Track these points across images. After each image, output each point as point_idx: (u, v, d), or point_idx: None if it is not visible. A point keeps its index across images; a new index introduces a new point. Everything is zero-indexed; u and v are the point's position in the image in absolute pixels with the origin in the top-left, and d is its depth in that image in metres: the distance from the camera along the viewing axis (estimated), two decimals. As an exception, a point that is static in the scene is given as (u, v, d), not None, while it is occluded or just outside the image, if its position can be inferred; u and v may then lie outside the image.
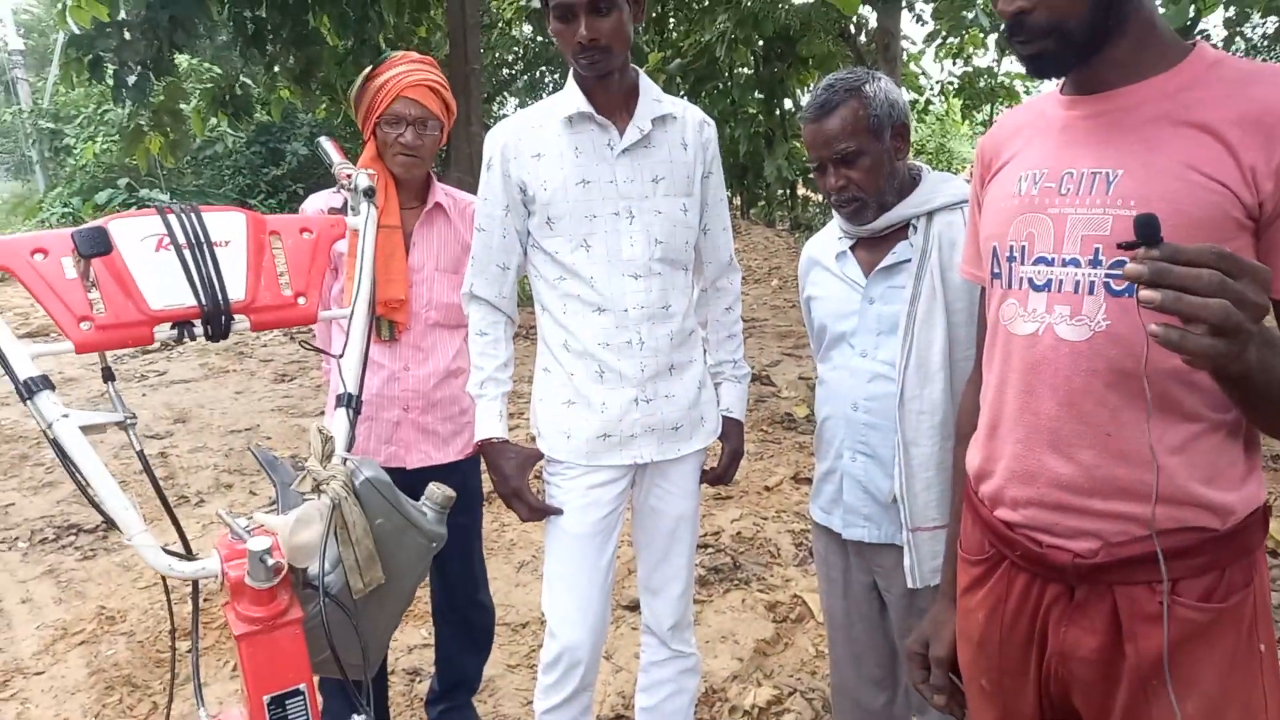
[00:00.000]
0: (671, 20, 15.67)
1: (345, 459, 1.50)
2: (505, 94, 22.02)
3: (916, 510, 1.68)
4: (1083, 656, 1.14)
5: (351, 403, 1.57)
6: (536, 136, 1.84)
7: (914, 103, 16.62)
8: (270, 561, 1.29)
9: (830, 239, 1.86)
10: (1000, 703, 1.26)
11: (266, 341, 7.82)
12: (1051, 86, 1.25)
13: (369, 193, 1.73)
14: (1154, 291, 0.82)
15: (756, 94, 14.63)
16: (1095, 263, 1.08)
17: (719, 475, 2.04)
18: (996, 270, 1.21)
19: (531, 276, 1.94)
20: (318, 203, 2.16)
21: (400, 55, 2.16)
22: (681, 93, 14.99)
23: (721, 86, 14.39)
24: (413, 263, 2.16)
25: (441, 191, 2.23)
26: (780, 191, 16.00)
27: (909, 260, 1.70)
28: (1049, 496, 1.15)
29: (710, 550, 3.53)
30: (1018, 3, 1.06)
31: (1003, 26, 1.11)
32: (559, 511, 1.88)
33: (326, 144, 1.94)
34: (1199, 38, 1.14)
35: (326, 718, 2.11)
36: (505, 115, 24.67)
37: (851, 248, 1.81)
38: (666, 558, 1.98)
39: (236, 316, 1.46)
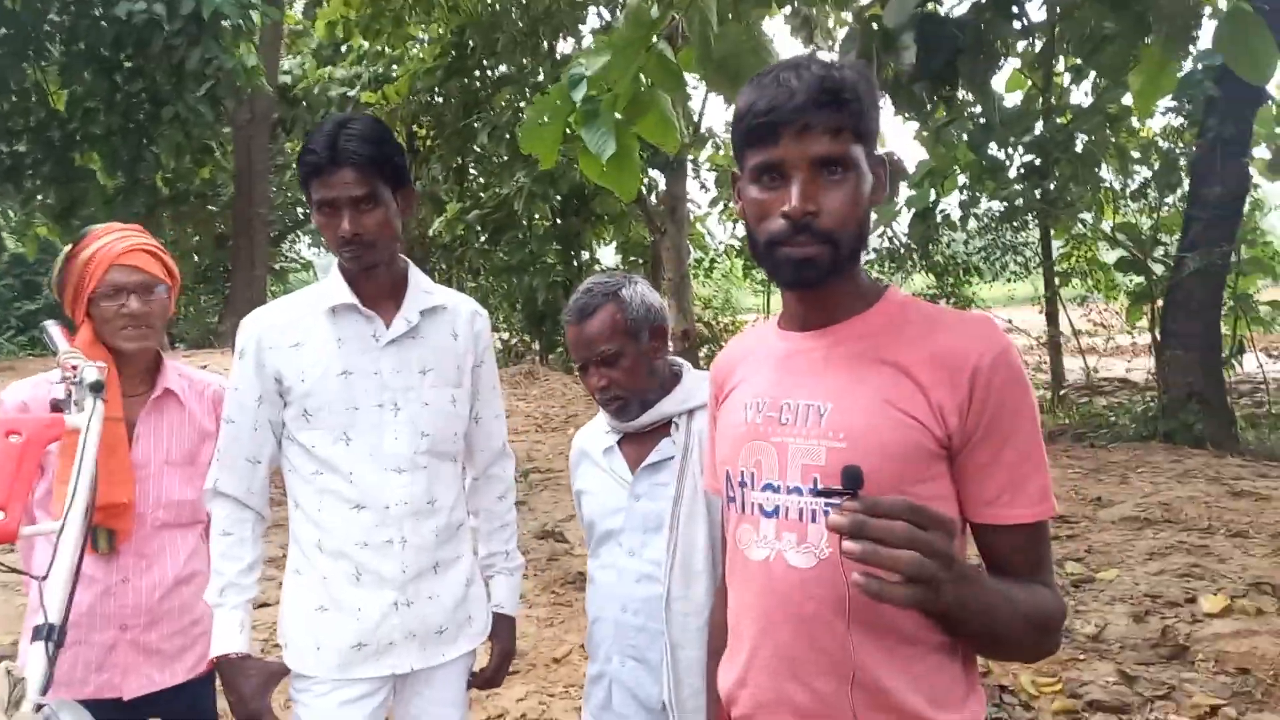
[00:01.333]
0: (472, 171, 16.09)
1: (40, 705, 1.29)
2: (298, 233, 21.53)
3: (685, 717, 1.65)
4: None
5: (53, 635, 1.37)
6: (296, 326, 1.77)
7: (700, 260, 17.74)
8: None
9: (598, 432, 1.88)
10: None
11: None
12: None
13: (96, 387, 1.58)
14: (854, 544, 0.89)
15: (554, 245, 15.12)
16: (815, 491, 1.14)
17: (488, 679, 1.93)
18: (731, 494, 1.26)
19: (285, 471, 1.81)
20: (21, 394, 1.88)
21: (102, 227, 1.96)
22: (481, 240, 15.24)
23: (520, 236, 14.76)
24: (137, 457, 1.91)
25: (174, 374, 2.01)
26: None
27: (673, 458, 1.74)
28: None
29: (493, 737, 3.32)
30: (810, 205, 1.11)
31: (772, 231, 1.13)
32: (306, 735, 1.70)
33: (53, 329, 1.77)
34: (890, 284, 1.27)
35: None
36: (296, 254, 24.10)
37: (619, 442, 1.83)
38: (431, 774, 1.83)
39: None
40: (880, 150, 1.21)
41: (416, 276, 1.84)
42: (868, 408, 1.13)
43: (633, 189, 2.91)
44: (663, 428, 1.79)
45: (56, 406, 1.65)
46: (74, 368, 1.61)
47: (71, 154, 7.64)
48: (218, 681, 1.89)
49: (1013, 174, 9.32)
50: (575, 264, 15.24)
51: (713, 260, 18.04)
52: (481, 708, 3.48)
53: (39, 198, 7.72)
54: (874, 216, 1.24)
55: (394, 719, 1.83)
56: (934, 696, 1.13)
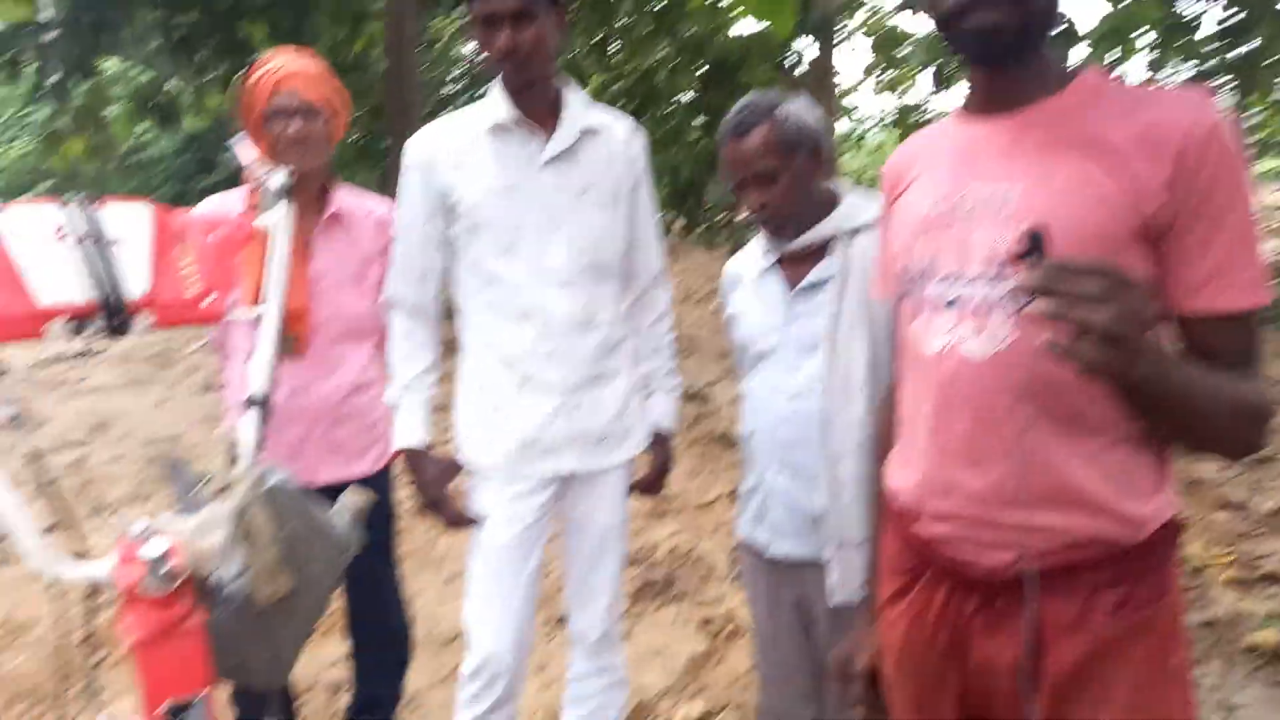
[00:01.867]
0: (614, 44, 15.80)
1: (253, 464, 1.43)
2: (451, 107, 21.91)
3: (842, 525, 1.67)
4: (1003, 669, 1.14)
5: (262, 404, 1.51)
6: (459, 144, 1.81)
7: (849, 134, 17.00)
8: (166, 567, 1.22)
9: (753, 256, 1.87)
10: (922, 715, 1.25)
11: (192, 351, 7.58)
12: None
13: (283, 191, 1.67)
14: (1046, 301, 0.85)
15: (699, 118, 14.77)
16: (998, 279, 1.10)
17: (647, 485, 2.01)
18: (905, 289, 1.23)
19: (454, 284, 1.90)
20: (210, 206, 2.04)
21: (274, 51, 2.06)
22: (624, 115, 15.05)
23: (664, 111, 14.49)
24: (314, 272, 2.05)
25: (342, 196, 2.13)
26: (721, 215, 16.16)
27: (831, 278, 1.71)
28: (965, 510, 1.15)
29: (644, 565, 3.49)
30: None
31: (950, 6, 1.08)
32: (481, 522, 1.83)
33: (240, 142, 1.88)
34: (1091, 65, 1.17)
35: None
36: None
37: (775, 264, 1.81)
38: (593, 570, 1.94)
39: (139, 313, 1.40)
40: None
41: (575, 95, 1.85)
42: (1061, 189, 1.06)
43: (787, 24, 2.80)
44: (821, 249, 1.76)
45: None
46: (262, 175, 1.70)
47: (237, 25, 7.94)
48: (396, 481, 2.05)
49: (1206, 33, 8.39)
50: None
51: (862, 135, 17.25)
52: (632, 539, 3.65)
53: (209, 70, 8.10)
54: None
55: (562, 517, 1.94)
56: (1119, 486, 1.09)
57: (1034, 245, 0.88)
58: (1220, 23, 8.29)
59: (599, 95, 14.63)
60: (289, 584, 1.38)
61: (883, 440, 1.42)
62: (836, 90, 14.65)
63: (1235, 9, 8.09)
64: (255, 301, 1.61)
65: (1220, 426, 1.04)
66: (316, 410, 2.05)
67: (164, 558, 1.23)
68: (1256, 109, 10.91)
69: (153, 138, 15.81)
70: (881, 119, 16.39)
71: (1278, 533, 3.50)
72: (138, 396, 6.18)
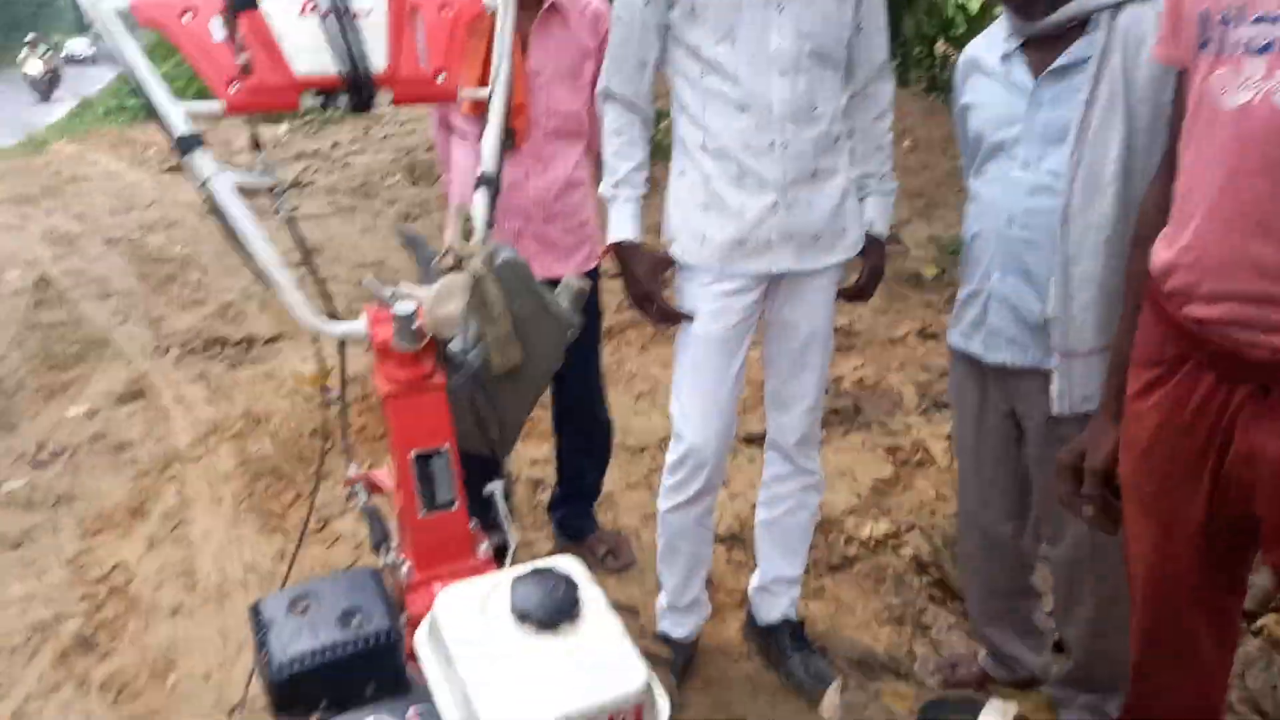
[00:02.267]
0: None
1: (485, 239, 1.49)
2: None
3: (1073, 333, 1.57)
4: (1271, 458, 1.06)
5: (491, 183, 1.55)
6: None
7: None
8: (414, 325, 1.30)
9: (996, 39, 1.70)
10: (1164, 512, 1.20)
11: (390, 184, 7.96)
12: None
13: None
14: None
15: (899, -59, 13.55)
16: None
17: (858, 291, 1.96)
18: (1206, 38, 1.08)
19: (670, 74, 1.84)
20: None
21: None
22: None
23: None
24: (531, 67, 2.07)
25: None
26: (918, 49, 15.01)
27: (1087, 59, 1.54)
28: (1251, 288, 1.04)
29: (830, 393, 3.48)
30: None
31: None
32: (689, 317, 1.85)
33: None
34: None
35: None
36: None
37: (1021, 47, 1.64)
38: (797, 372, 1.94)
39: (379, 88, 1.44)
40: None
41: None
42: None
43: None
44: (1076, 28, 1.57)
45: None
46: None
47: None
48: (603, 283, 2.09)
49: None
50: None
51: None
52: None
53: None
54: None
55: (766, 318, 1.92)
56: None
57: None
58: None
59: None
60: (519, 356, 1.45)
61: (1148, 226, 1.29)
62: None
63: None
64: (482, 83, 1.62)
65: None
66: (530, 205, 2.12)
67: (411, 317, 1.30)
68: None
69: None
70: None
71: None
72: (344, 224, 6.58)
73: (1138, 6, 1.52)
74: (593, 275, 2.25)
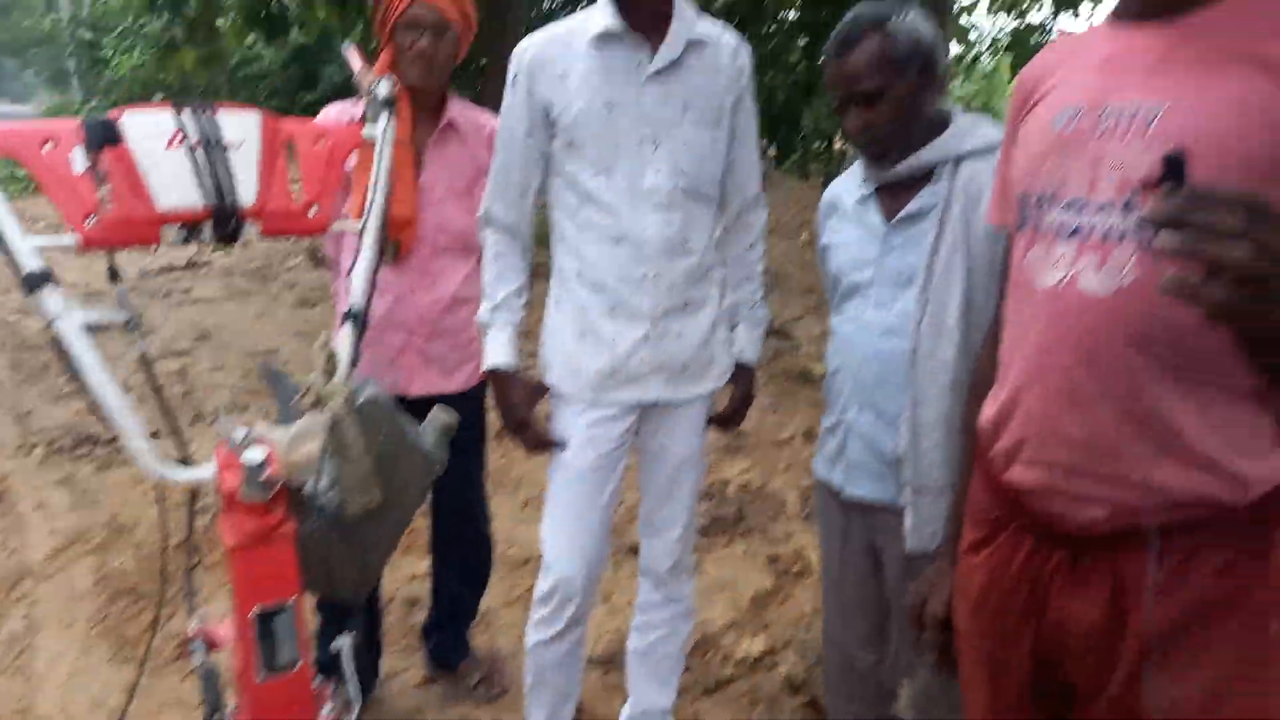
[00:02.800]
0: (718, -40, 15.28)
1: (348, 377, 1.48)
2: (556, 13, 21.66)
3: (921, 471, 1.64)
4: (1082, 629, 1.10)
5: (358, 319, 1.55)
6: (564, 54, 1.78)
7: (960, 57, 16.16)
8: (264, 475, 1.27)
9: (852, 183, 1.80)
10: (993, 666, 1.24)
11: (291, 266, 7.83)
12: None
13: (389, 102, 1.68)
14: (1173, 235, 0.75)
15: (801, 40, 14.25)
16: (1128, 208, 1.01)
17: (727, 418, 2.01)
18: (1024, 216, 1.15)
19: (550, 203, 1.89)
20: (333, 113, 2.12)
21: None
22: (724, 36, 14.61)
23: (766, 29, 14.02)
24: (424, 183, 2.11)
25: (457, 109, 2.17)
26: (816, 144, 15.69)
27: (932, 208, 1.64)
28: (1062, 459, 1.10)
29: (715, 500, 3.52)
30: None
31: None
32: (563, 445, 1.86)
33: (350, 51, 1.90)
34: None
35: (319, 639, 2.13)
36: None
37: (874, 193, 1.75)
38: (668, 499, 1.96)
39: (246, 221, 1.44)
40: None
41: (683, 5, 1.79)
42: (1214, 111, 0.95)
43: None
44: (924, 177, 1.67)
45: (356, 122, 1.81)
46: (369, 85, 1.72)
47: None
48: (487, 400, 2.10)
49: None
50: (820, 62, 14.35)
51: (976, 57, 16.39)
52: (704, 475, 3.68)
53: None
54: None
55: (639, 446, 1.95)
56: (1232, 443, 1.01)
57: (1172, 170, 0.78)
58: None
59: (701, 12, 14.23)
60: (378, 497, 1.43)
61: (981, 381, 1.36)
62: (954, 8, 13.93)
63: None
64: (360, 214, 1.64)
65: None
66: (416, 321, 2.13)
67: (262, 466, 1.28)
68: None
69: (259, 51, 16.10)
70: (994, 43, 15.54)
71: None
72: (239, 308, 6.43)
73: (976, 162, 1.63)
74: (479, 391, 2.25)
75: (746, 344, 1.99)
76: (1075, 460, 1.09)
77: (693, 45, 1.77)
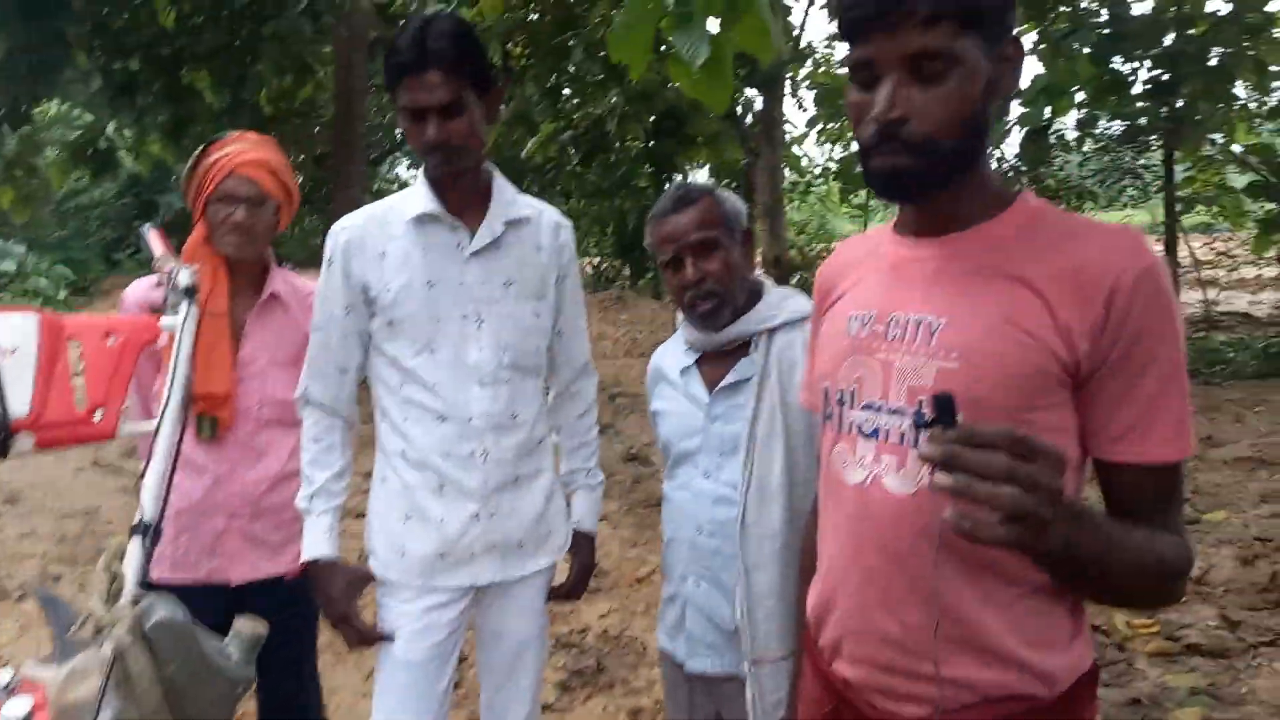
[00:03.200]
0: (565, 91, 15.92)
1: (136, 598, 1.35)
2: (398, 154, 21.80)
3: (758, 640, 1.63)
4: None
5: (148, 532, 1.42)
6: (382, 234, 1.76)
7: (795, 184, 17.28)
8: (27, 729, 1.13)
9: (676, 351, 1.84)
10: None
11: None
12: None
13: (190, 291, 1.61)
14: (947, 476, 0.81)
15: (647, 167, 14.90)
16: (916, 422, 1.06)
17: (567, 592, 1.95)
18: (828, 412, 1.19)
19: (371, 381, 1.83)
20: (139, 293, 2.02)
21: (236, 134, 2.05)
22: (573, 162, 15.15)
23: (613, 159, 14.59)
24: (245, 356, 2.02)
25: (280, 279, 2.10)
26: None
27: (750, 378, 1.69)
28: (880, 656, 1.11)
29: (574, 651, 3.40)
30: (899, 110, 1.02)
31: (864, 137, 1.06)
32: (390, 637, 1.75)
33: (149, 234, 1.81)
34: (1028, 190, 1.15)
35: None
36: (395, 176, 24.46)
37: (696, 362, 1.78)
38: (509, 682, 1.86)
39: (19, 434, 1.32)
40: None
41: (502, 186, 1.81)
42: (986, 325, 1.03)
43: (724, 100, 2.79)
44: (741, 348, 1.74)
45: (156, 310, 1.71)
46: (169, 272, 1.64)
47: (180, 72, 7.84)
48: None
49: (1137, 90, 8.69)
50: (667, 187, 15.03)
51: (809, 184, 17.54)
52: (564, 622, 3.56)
53: (150, 116, 7.97)
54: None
55: (475, 628, 1.86)
56: (1033, 638, 1.06)
57: (942, 411, 0.84)
58: (1145, 82, 8.61)
59: (549, 143, 14.69)
60: (170, 730, 1.30)
61: (808, 562, 1.37)
62: (785, 139, 14.93)
63: (1161, 70, 8.41)
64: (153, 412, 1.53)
65: (1136, 586, 1.01)
66: (238, 502, 1.99)
67: (28, 718, 1.14)
68: (1185, 164, 11.29)
69: (91, 182, 15.48)
70: (824, 172, 16.70)
71: (1201, 600, 3.54)
72: (56, 464, 5.92)
73: (789, 332, 1.70)
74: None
75: (584, 512, 1.96)
76: (892, 658, 1.10)
77: (513, 223, 1.79)
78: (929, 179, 1.05)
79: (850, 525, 1.14)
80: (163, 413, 1.49)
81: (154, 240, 1.76)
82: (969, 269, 1.07)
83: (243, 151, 1.99)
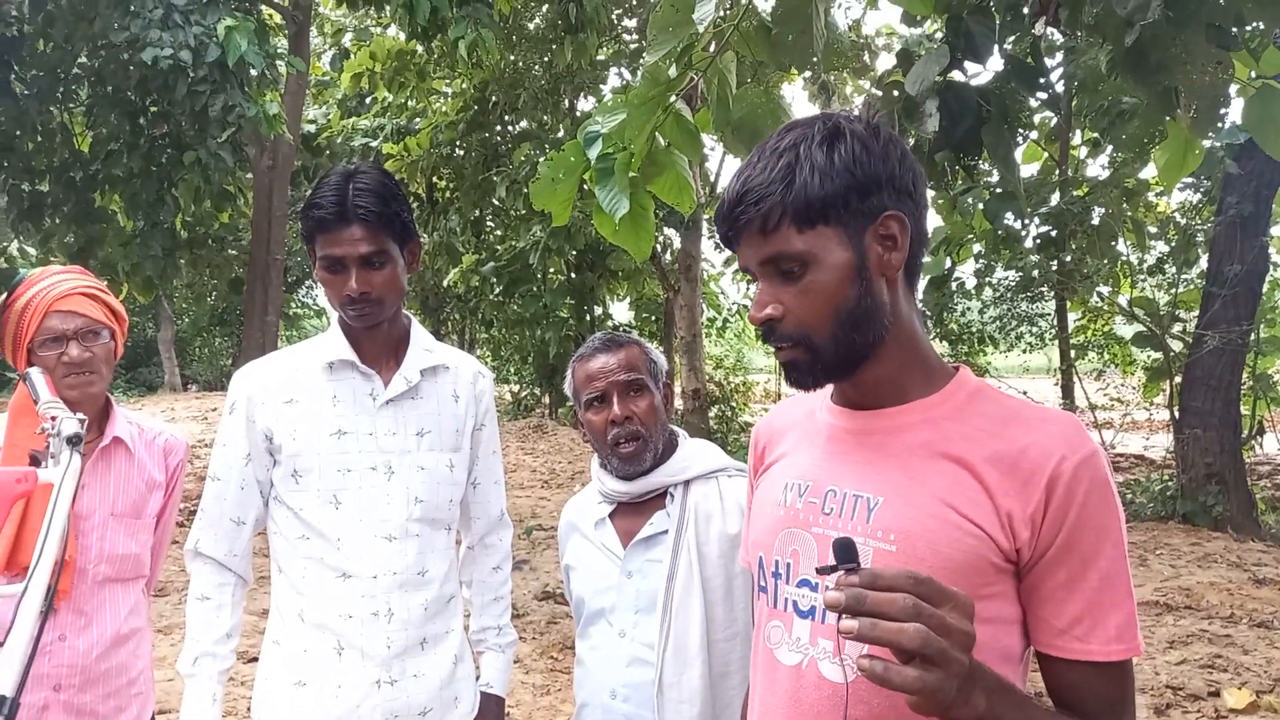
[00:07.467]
0: (489, 224, 16.21)
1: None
2: (314, 279, 21.69)
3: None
4: None
5: (3, 707, 1.27)
6: (291, 381, 1.70)
7: (713, 320, 17.76)
8: None
9: (589, 503, 1.79)
10: None
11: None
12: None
13: (73, 440, 1.49)
14: (853, 621, 0.79)
15: (568, 299, 15.14)
16: (817, 569, 1.02)
17: (474, 760, 1.81)
18: (763, 584, 1.15)
19: (270, 534, 1.73)
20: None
21: (39, 271, 1.87)
22: (495, 292, 15.30)
23: (535, 290, 14.80)
24: (80, 509, 1.81)
25: (123, 421, 1.92)
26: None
27: (666, 531, 1.65)
28: None
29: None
30: (767, 310, 1.04)
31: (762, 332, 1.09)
32: (275, 823, 1.59)
33: (37, 376, 1.70)
34: (961, 364, 1.14)
35: None
36: (311, 300, 24.22)
37: (610, 515, 1.74)
38: None
39: None
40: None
41: (418, 334, 1.78)
42: (924, 508, 1.01)
43: (646, 249, 2.85)
44: (657, 499, 1.70)
45: (35, 459, 1.57)
46: (53, 419, 1.53)
47: (92, 195, 7.71)
48: None
49: (1028, 244, 9.28)
50: (588, 319, 15.25)
51: (725, 320, 18.04)
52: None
53: (57, 237, 7.77)
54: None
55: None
56: None
57: (842, 557, 0.82)
58: (1035, 238, 9.20)
59: (471, 272, 14.85)
60: None
61: None
62: (703, 276, 15.42)
63: (1049, 226, 9.02)
64: (18, 572, 1.39)
65: None
66: (66, 671, 1.76)
67: None
68: (1075, 312, 12.00)
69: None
70: (740, 309, 17.24)
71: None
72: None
73: (705, 483, 1.68)
74: None
75: (494, 675, 1.86)
76: None
77: (429, 372, 1.75)
78: (824, 370, 1.06)
79: (786, 711, 1.09)
80: (31, 576, 1.35)
81: (41, 384, 1.65)
82: (907, 446, 1.06)
83: (55, 285, 1.82)
